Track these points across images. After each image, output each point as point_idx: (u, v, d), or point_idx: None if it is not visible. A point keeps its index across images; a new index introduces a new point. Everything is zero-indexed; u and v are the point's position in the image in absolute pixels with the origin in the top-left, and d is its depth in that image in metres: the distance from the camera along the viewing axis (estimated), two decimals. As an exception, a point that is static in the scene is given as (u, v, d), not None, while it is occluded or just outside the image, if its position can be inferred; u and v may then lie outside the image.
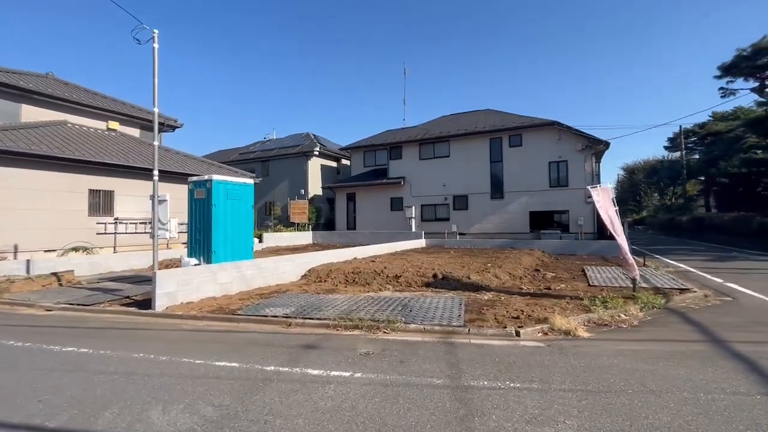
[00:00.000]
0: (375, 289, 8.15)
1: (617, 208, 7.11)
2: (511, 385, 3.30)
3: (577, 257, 13.85)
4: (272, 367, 3.78)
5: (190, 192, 8.02)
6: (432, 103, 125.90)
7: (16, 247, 10.93)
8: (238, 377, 3.54)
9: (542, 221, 17.75)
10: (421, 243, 18.05)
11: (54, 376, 3.62)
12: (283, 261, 9.32)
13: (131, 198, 14.04)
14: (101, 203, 13.13)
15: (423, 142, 20.64)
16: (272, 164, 24.92)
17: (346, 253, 12.31)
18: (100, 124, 16.15)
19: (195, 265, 7.72)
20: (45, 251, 11.53)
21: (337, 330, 5.19)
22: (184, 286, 6.82)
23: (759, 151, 21.96)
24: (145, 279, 9.95)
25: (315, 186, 24.53)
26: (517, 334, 4.84)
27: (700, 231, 26.36)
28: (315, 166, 24.61)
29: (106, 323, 5.82)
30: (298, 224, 21.32)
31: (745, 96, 39.53)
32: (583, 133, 16.65)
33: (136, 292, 8.02)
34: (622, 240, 6.92)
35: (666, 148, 47.56)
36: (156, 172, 7.20)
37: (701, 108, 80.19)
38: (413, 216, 19.92)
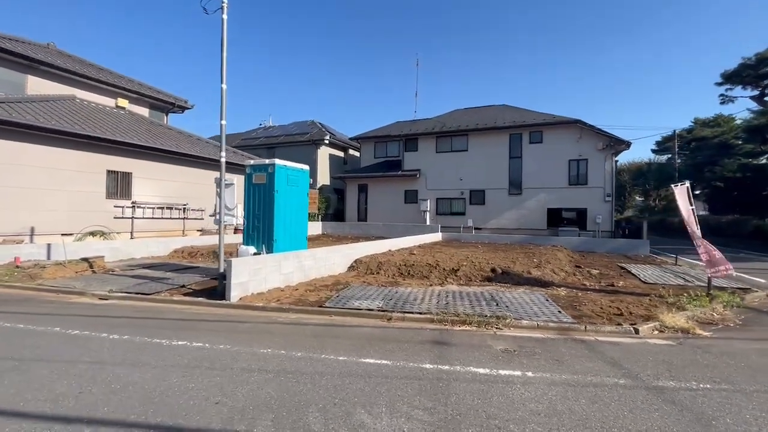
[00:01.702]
0: (437, 282, 7.96)
1: (693, 207, 7.14)
2: (702, 386, 3.20)
3: (599, 254, 14.01)
4: (429, 365, 3.55)
5: (248, 177, 7.55)
6: (435, 97, 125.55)
7: (32, 230, 10.11)
8: (404, 376, 3.29)
9: (560, 218, 17.97)
10: (437, 236, 17.93)
11: (196, 374, 3.26)
12: (333, 252, 9.00)
13: (149, 181, 13.26)
14: (119, 186, 12.32)
15: (440, 135, 20.43)
16: (278, 151, 24.14)
17: (379, 245, 12.05)
18: (109, 101, 15.14)
19: (254, 254, 7.31)
20: (62, 235, 10.72)
21: (444, 325, 4.98)
22: (255, 276, 6.45)
23: (764, 159, 22.87)
24: (182, 267, 9.42)
25: (323, 175, 23.99)
26: (636, 331, 4.77)
27: (641, 231, 27.44)
28: (324, 155, 24.03)
29: (185, 314, 5.40)
30: (309, 214, 20.77)
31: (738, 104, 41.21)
32: (605, 133, 16.87)
33: (186, 281, 7.54)
34: (700, 239, 6.95)
35: (654, 151, 49.17)
36: (223, 154, 6.72)
37: (698, 113, 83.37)
38: (428, 209, 19.77)
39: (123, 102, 15.52)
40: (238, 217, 7.02)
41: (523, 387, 3.11)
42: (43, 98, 12.46)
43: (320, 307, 5.68)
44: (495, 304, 5.86)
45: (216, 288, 6.81)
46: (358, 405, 2.75)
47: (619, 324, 4.99)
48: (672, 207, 46.14)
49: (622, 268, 10.45)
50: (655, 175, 45.50)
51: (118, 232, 12.15)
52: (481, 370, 3.45)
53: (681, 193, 7.16)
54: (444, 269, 8.70)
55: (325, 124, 26.63)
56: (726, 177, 24.83)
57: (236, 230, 16.97)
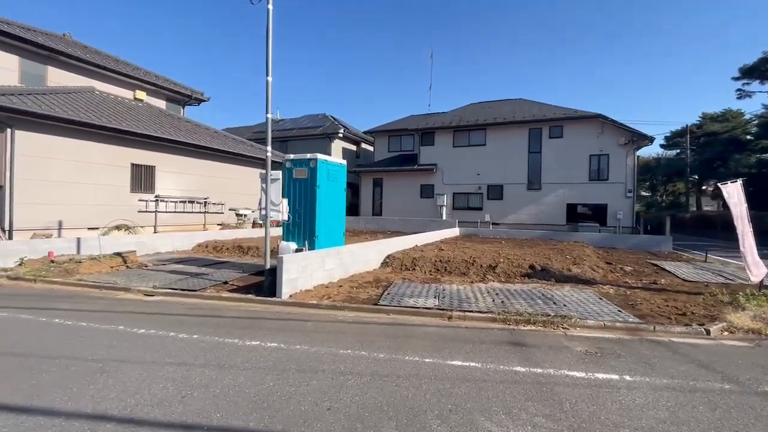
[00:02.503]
0: (477, 279, 7.87)
1: (746, 205, 7.01)
2: (813, 391, 3.10)
3: (622, 251, 13.88)
4: (520, 368, 3.47)
5: (288, 171, 7.43)
6: (446, 92, 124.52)
7: (60, 224, 10.01)
8: (501, 380, 3.21)
9: (579, 214, 17.84)
10: (455, 231, 17.82)
11: (290, 377, 3.18)
12: (368, 248, 8.91)
13: (171, 174, 13.13)
14: (143, 179, 12.20)
15: (458, 129, 20.21)
16: (291, 145, 23.95)
17: (406, 240, 11.92)
18: (127, 93, 14.94)
19: (295, 250, 7.22)
20: (89, 229, 10.63)
21: (508, 324, 4.89)
22: (302, 272, 6.36)
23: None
24: (213, 262, 9.33)
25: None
26: (707, 332, 4.68)
27: (703, 228, 27.33)
28: (337, 149, 23.84)
29: (241, 312, 5.31)
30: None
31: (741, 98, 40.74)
32: (628, 128, 16.67)
33: (226, 277, 7.47)
34: (749, 239, 6.84)
35: (662, 146, 48.80)
36: (269, 148, 6.61)
37: (705, 107, 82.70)
38: (444, 204, 19.64)
39: (141, 94, 15.32)
40: (283, 212, 6.88)
41: (629, 392, 3.02)
42: (63, 90, 12.28)
43: (375, 305, 5.59)
44: (552, 302, 5.77)
45: (261, 284, 6.72)
46: (474, 411, 2.66)
47: (687, 324, 4.90)
48: (679, 202, 46.11)
49: (654, 265, 10.34)
50: (664, 170, 45.23)
51: (142, 226, 12.05)
52: (577, 374, 3.36)
53: (733, 190, 7.02)
54: (481, 266, 8.61)
55: (337, 118, 26.39)
56: (741, 172, 24.63)
57: (254, 224, 16.90)
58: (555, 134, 18.33)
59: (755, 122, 34.15)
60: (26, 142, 9.37)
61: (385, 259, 9.47)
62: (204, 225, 14.32)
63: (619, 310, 5.46)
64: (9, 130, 9.04)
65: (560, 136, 18.25)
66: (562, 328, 4.79)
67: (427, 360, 3.60)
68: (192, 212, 13.92)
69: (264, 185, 6.58)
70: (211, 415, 2.54)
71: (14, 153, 9.09)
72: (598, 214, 17.58)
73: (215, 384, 3.01)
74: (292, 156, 7.63)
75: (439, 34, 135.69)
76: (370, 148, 27.30)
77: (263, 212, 6.64)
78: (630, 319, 5.03)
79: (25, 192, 9.28)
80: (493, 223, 18.89)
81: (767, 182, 23.21)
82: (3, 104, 8.42)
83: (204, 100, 17.81)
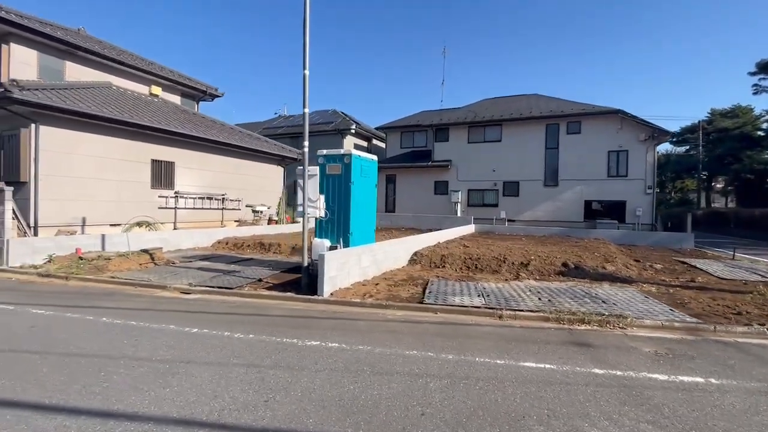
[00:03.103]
0: (511, 277, 7.75)
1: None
2: None
3: (644, 248, 13.70)
4: (598, 370, 3.35)
5: (321, 167, 7.29)
6: (456, 88, 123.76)
7: (84, 220, 9.93)
8: (584, 382, 3.09)
9: (597, 211, 17.67)
10: (471, 228, 17.69)
11: (366, 379, 3.07)
12: (396, 245, 8.80)
13: (189, 171, 13.04)
14: (162, 175, 12.10)
15: (473, 124, 20.01)
16: (301, 140, 23.79)
17: (428, 237, 11.78)
18: (143, 89, 14.81)
19: (330, 247, 7.10)
20: (110, 225, 10.56)
21: (562, 323, 4.78)
22: (341, 270, 6.26)
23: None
24: (239, 259, 9.26)
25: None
26: (771, 332, 4.55)
27: (716, 225, 27.06)
28: (349, 145, 23.64)
29: (287, 311, 5.22)
30: (336, 205, 20.58)
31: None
32: (648, 123, 16.45)
33: (258, 274, 7.39)
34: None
35: (671, 142, 48.36)
36: (306, 143, 6.50)
37: (713, 103, 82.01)
38: (459, 201, 19.49)
39: (156, 90, 15.19)
40: (320, 209, 6.77)
41: (724, 396, 2.91)
42: (81, 85, 12.15)
43: (420, 303, 5.48)
44: (601, 301, 5.65)
45: (297, 282, 6.64)
46: (575, 417, 2.55)
47: (747, 324, 4.77)
48: (688, 199, 45.76)
49: (683, 262, 10.19)
50: (674, 166, 44.84)
51: (162, 223, 11.98)
52: (659, 377, 3.25)
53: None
54: (513, 263, 8.49)
55: (347, 114, 26.21)
56: (756, 169, 24.36)
57: (270, 221, 16.81)
58: (573, 130, 18.10)
59: (766, 118, 33.80)
60: (49, 137, 9.28)
61: (412, 257, 9.36)
62: (221, 222, 14.24)
63: (671, 309, 5.33)
64: (33, 126, 8.95)
65: (578, 132, 18.03)
66: (619, 327, 4.67)
67: (498, 362, 3.49)
68: (210, 209, 13.84)
69: (301, 181, 6.45)
70: (303, 420, 2.44)
71: (38, 148, 8.99)
72: (616, 210, 17.39)
73: (293, 387, 2.90)
74: (324, 151, 7.50)
75: (444, 32, 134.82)
76: (381, 145, 27.13)
77: (299, 209, 6.52)
78: (687, 319, 4.91)
79: (49, 188, 9.20)
80: (508, 220, 18.74)
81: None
82: (29, 99, 8.31)
83: (218, 96, 17.68)
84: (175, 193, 12.40)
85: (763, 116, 35.21)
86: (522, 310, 5.16)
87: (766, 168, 24.50)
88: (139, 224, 11.29)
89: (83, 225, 9.93)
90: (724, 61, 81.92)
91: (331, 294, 5.88)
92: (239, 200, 14.97)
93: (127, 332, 4.12)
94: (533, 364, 3.45)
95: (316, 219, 7.34)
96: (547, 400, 2.78)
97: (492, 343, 4.01)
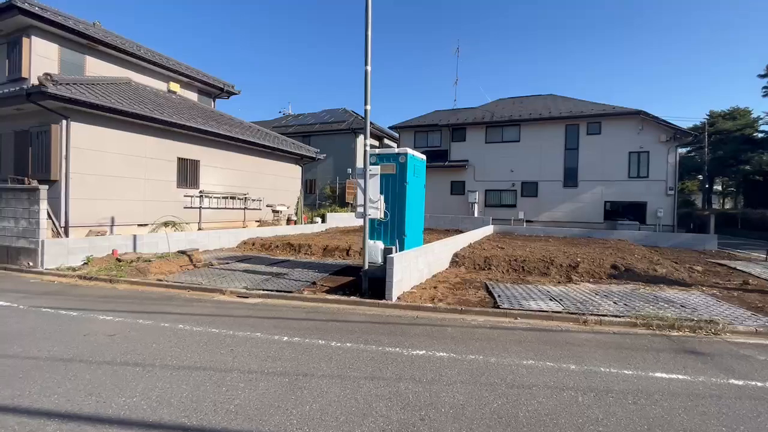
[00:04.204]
0: (563, 280, 7.62)
1: None
2: None
3: (669, 249, 13.65)
4: (736, 381, 3.21)
5: (373, 166, 7.08)
6: (465, 88, 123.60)
7: (112, 220, 9.61)
8: (735, 395, 2.93)
9: (618, 212, 17.64)
10: (489, 229, 17.56)
11: (505, 392, 2.89)
12: (442, 247, 8.63)
13: (213, 169, 12.73)
14: (188, 174, 11.78)
15: (491, 124, 19.87)
16: (314, 140, 23.49)
17: (460, 239, 11.55)
18: (161, 85, 14.44)
19: (384, 249, 6.89)
20: (138, 225, 10.23)
21: (653, 329, 4.64)
22: (404, 273, 6.06)
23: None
24: (276, 261, 9.04)
25: (360, 165, 23.42)
26: None
27: (723, 226, 27.25)
28: (361, 144, 23.44)
29: (362, 316, 5.01)
30: (351, 204, 20.35)
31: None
32: (670, 124, 16.44)
33: (309, 277, 7.16)
34: None
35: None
36: (368, 142, 6.27)
37: (713, 105, 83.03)
38: (476, 201, 19.36)
39: (175, 86, 14.81)
40: (381, 209, 6.56)
41: None
42: (103, 80, 11.77)
43: (496, 308, 5.31)
44: (680, 306, 5.52)
45: (353, 284, 6.48)
46: (760, 436, 2.38)
47: None
48: (690, 200, 46.09)
49: (720, 264, 10.14)
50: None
51: (187, 223, 11.65)
52: (805, 389, 3.09)
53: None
54: (561, 265, 8.35)
55: (357, 112, 25.93)
56: (765, 171, 24.55)
57: (289, 220, 16.54)
58: (593, 131, 18.04)
59: (765, 120, 34.19)
60: (79, 133, 8.95)
61: (453, 258, 9.19)
62: (243, 222, 13.95)
63: (753, 314, 5.22)
64: (65, 121, 8.61)
65: (598, 133, 17.97)
66: (713, 333, 4.53)
67: (627, 372, 3.33)
68: (233, 209, 13.54)
69: (361, 181, 6.24)
70: (480, 442, 2.25)
71: (69, 146, 8.66)
72: (636, 211, 17.37)
73: (438, 402, 2.71)
74: (377, 150, 7.29)
75: (444, 33, 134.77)
76: (392, 144, 26.93)
77: (359, 209, 6.31)
78: (778, 324, 4.78)
79: (79, 187, 8.87)
80: (526, 221, 18.65)
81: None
82: (63, 94, 7.97)
83: (235, 93, 17.33)
84: (200, 192, 12.09)
85: (762, 118, 35.70)
86: (605, 315, 5.01)
87: (774, 169, 24.69)
88: (165, 224, 10.95)
89: (112, 225, 9.61)
90: (724, 62, 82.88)
91: (399, 298, 5.69)
92: (260, 200, 14.68)
93: (216, 341, 3.88)
94: (664, 375, 3.29)
95: (370, 219, 7.14)
96: (715, 416, 2.61)
97: (602, 351, 3.85)
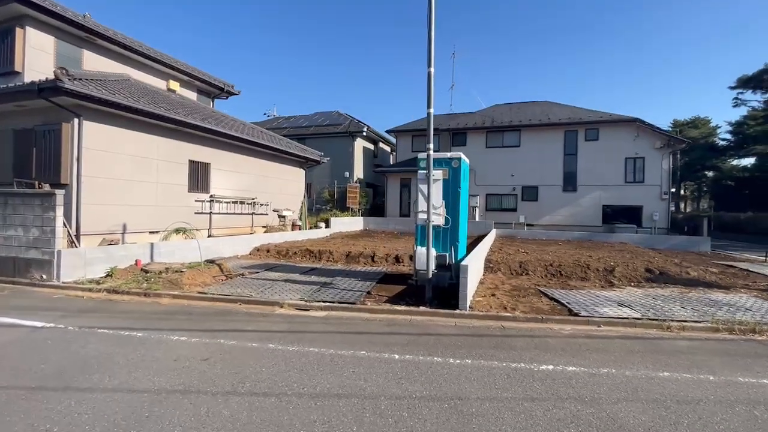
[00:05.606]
0: (605, 284, 7.70)
1: None
2: None
3: (667, 251, 14.22)
4: None
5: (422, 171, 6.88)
6: (459, 92, 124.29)
7: (124, 227, 8.88)
8: None
9: (615, 216, 18.27)
10: (492, 233, 17.71)
11: (676, 410, 2.77)
12: (480, 252, 8.51)
13: (223, 173, 12.10)
14: (199, 178, 11.12)
15: (491, 130, 20.12)
16: (308, 143, 22.89)
17: (480, 244, 11.60)
18: (161, 83, 13.65)
19: (437, 257, 6.69)
20: (150, 232, 9.53)
21: (737, 334, 4.71)
22: (473, 281, 5.89)
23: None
24: (306, 269, 8.62)
25: (358, 169, 23.10)
26: None
27: (697, 228, 28.96)
28: (359, 148, 23.13)
29: (446, 328, 4.79)
30: (351, 209, 20.00)
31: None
32: (664, 132, 17.24)
33: (359, 287, 6.86)
34: None
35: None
36: (431, 146, 6.11)
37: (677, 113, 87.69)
38: (477, 205, 19.52)
39: (174, 85, 14.03)
40: (442, 215, 6.36)
41: None
42: (102, 76, 10.92)
43: (576, 315, 5.24)
44: (744, 309, 5.65)
45: (411, 293, 6.33)
46: None
47: None
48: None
49: (729, 266, 10.62)
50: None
51: (197, 229, 10.99)
52: None
53: None
54: (597, 269, 8.46)
55: (352, 115, 25.66)
56: (735, 176, 26.33)
57: (294, 226, 15.99)
58: (591, 137, 18.67)
59: (728, 129, 36.83)
60: (93, 133, 8.22)
61: (486, 264, 9.12)
62: (251, 228, 13.35)
63: (814, 316, 5.41)
64: (76, 120, 7.88)
65: (596, 139, 18.61)
66: (793, 337, 4.64)
67: (765, 381, 3.30)
68: (241, 214, 12.93)
69: (423, 187, 6.04)
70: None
71: (81, 146, 7.93)
72: (633, 215, 18.08)
73: (634, 428, 2.54)
74: (422, 154, 7.08)
75: (445, 35, 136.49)
76: (386, 148, 26.79)
77: (421, 215, 6.10)
78: None
79: (92, 191, 8.13)
80: (527, 224, 18.99)
81: (759, 185, 24.88)
82: (79, 90, 7.28)
83: (235, 94, 16.64)
84: (211, 197, 11.46)
85: (720, 127, 38.55)
86: (686, 321, 5.04)
87: (743, 175, 26.55)
88: (177, 231, 10.27)
89: (123, 232, 8.88)
90: (692, 69, 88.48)
91: (470, 307, 5.51)
92: (267, 204, 14.12)
93: (326, 362, 3.55)
94: (802, 384, 3.28)
95: (418, 226, 6.94)
96: None
97: (718, 359, 3.83)
